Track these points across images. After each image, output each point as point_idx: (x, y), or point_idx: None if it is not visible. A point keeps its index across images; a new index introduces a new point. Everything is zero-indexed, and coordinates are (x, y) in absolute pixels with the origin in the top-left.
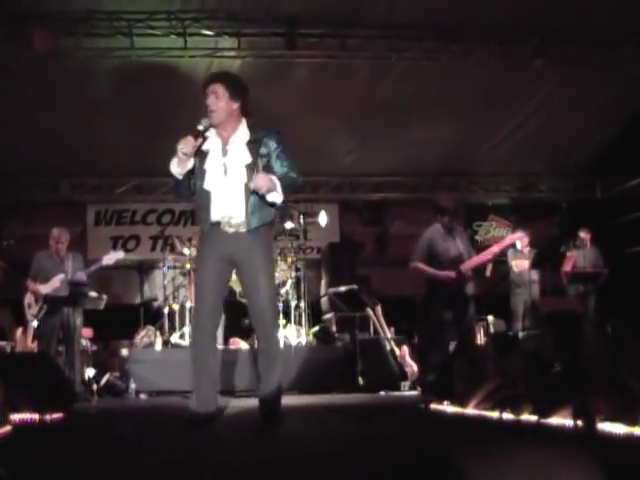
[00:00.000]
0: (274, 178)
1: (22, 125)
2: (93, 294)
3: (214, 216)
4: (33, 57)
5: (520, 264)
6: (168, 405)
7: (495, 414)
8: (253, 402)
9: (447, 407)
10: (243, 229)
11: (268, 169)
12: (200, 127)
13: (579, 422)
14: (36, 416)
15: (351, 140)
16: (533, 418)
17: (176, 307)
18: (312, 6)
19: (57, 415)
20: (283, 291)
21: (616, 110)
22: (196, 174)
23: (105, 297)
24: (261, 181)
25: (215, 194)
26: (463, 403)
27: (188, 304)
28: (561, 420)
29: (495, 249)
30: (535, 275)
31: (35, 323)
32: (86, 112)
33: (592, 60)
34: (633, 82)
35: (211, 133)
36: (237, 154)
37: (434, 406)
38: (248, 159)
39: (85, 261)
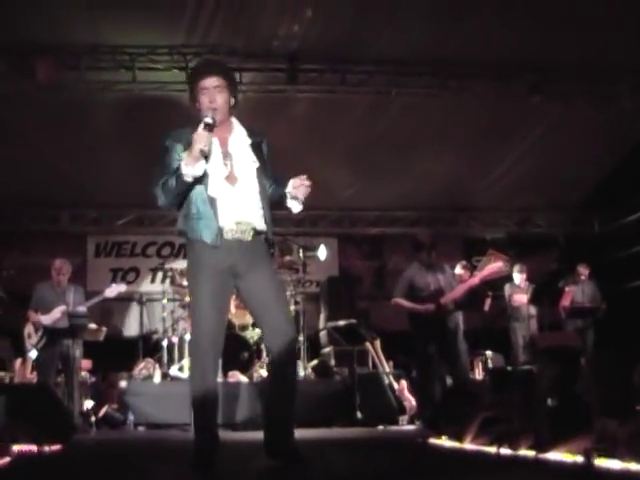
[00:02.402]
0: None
1: (24, 156)
2: (93, 326)
3: (221, 224)
4: (36, 89)
5: (519, 299)
6: (166, 438)
7: (493, 449)
8: (252, 435)
9: (445, 442)
10: (248, 237)
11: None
12: (209, 120)
13: (578, 458)
14: (35, 447)
15: (351, 174)
16: (531, 453)
17: (175, 340)
18: (312, 41)
19: (56, 447)
20: None
21: (613, 145)
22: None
23: (105, 329)
24: (303, 188)
25: (221, 201)
26: (461, 438)
27: (187, 337)
28: (559, 455)
29: (474, 280)
30: (533, 310)
31: (34, 353)
32: (87, 144)
33: (589, 97)
34: (630, 118)
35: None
36: (243, 157)
37: (432, 440)
38: (256, 163)
39: (85, 292)
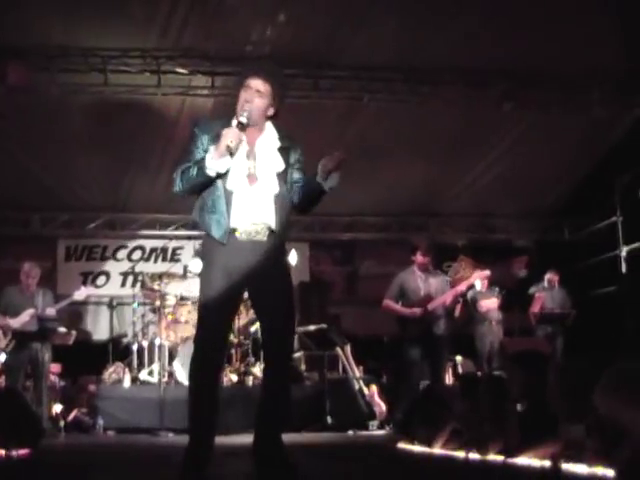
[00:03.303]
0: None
1: None
2: (62, 330)
3: (233, 222)
4: (7, 91)
5: (485, 304)
6: (136, 442)
7: (462, 454)
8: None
9: (414, 446)
10: (263, 238)
11: (291, 181)
12: (243, 120)
13: (545, 462)
14: (2, 452)
15: None
16: (500, 458)
17: (145, 344)
18: (285, 46)
19: (24, 451)
20: (253, 329)
21: (584, 153)
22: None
23: (74, 333)
24: (333, 159)
25: (237, 197)
26: (430, 443)
27: (157, 341)
28: (527, 460)
29: (462, 287)
30: (500, 315)
31: (3, 357)
32: (58, 147)
33: (561, 104)
34: (601, 126)
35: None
36: (267, 160)
37: (402, 445)
38: (280, 167)
39: (55, 296)
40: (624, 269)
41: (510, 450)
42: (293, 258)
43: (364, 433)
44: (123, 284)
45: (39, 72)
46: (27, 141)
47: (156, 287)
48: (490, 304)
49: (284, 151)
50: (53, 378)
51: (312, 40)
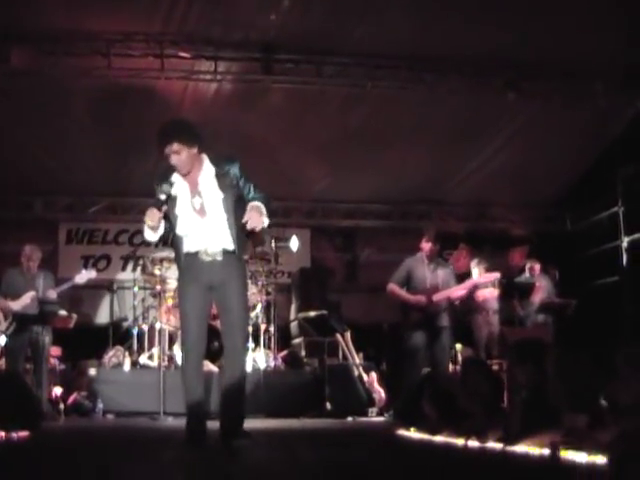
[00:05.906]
0: (262, 208)
1: None
2: (63, 313)
3: (188, 247)
4: (11, 74)
5: (482, 294)
6: (135, 426)
7: (461, 441)
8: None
9: (414, 433)
10: (219, 258)
11: (241, 199)
12: (162, 196)
13: (545, 450)
14: (2, 434)
15: (324, 166)
16: (499, 446)
17: (145, 328)
18: (289, 32)
19: (23, 434)
20: (253, 315)
21: (587, 143)
22: (170, 219)
23: (75, 316)
24: (256, 219)
25: (189, 236)
26: (430, 429)
27: (158, 325)
28: (526, 448)
29: (471, 284)
30: (497, 305)
31: (3, 340)
32: (61, 131)
33: (564, 95)
34: (603, 117)
35: (176, 178)
36: (210, 192)
37: (401, 432)
38: (221, 194)
39: (55, 279)
40: (625, 260)
41: (509, 438)
42: (294, 244)
43: (363, 420)
44: (124, 268)
45: (43, 55)
46: (29, 124)
47: (157, 271)
48: (487, 294)
49: (222, 178)
50: (53, 361)
51: (316, 26)
